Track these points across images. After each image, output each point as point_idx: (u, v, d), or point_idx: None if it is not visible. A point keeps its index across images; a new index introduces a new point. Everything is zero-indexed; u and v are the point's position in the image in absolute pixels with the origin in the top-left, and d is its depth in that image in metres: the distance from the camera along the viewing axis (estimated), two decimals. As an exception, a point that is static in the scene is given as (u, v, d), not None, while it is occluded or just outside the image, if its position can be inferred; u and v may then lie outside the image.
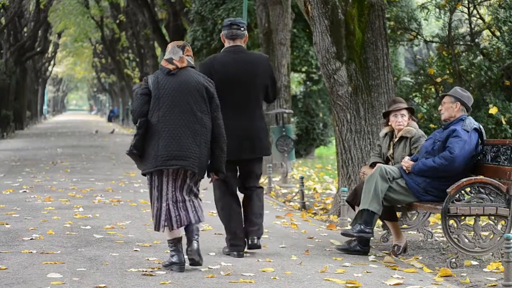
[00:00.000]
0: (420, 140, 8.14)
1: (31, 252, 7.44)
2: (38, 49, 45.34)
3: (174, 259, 6.72)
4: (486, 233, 7.33)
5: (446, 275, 6.89)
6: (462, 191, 7.30)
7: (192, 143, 6.70)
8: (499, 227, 7.31)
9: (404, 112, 8.29)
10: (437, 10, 12.12)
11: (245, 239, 7.59)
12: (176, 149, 6.64)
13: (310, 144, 23.48)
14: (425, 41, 12.95)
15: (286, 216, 10.50)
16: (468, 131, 7.58)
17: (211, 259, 7.28)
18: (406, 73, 14.05)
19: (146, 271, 6.65)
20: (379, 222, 8.70)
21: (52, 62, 64.09)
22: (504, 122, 11.23)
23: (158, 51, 37.34)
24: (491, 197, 7.27)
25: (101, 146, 28.06)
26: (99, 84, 78.15)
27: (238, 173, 7.75)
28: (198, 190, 6.94)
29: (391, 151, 8.34)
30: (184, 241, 6.83)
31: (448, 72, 12.12)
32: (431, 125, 11.64)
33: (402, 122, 8.26)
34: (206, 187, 11.44)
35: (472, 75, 11.75)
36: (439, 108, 7.93)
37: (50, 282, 6.20)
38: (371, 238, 7.82)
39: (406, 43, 13.26)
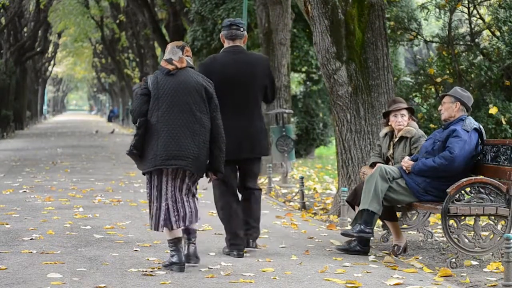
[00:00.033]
0: (420, 140, 8.14)
1: (31, 252, 7.44)
2: (38, 49, 45.34)
3: (174, 259, 6.72)
4: (486, 233, 7.33)
5: (446, 275, 6.89)
6: (462, 191, 7.30)
7: (191, 143, 6.71)
8: (499, 227, 7.31)
9: (404, 112, 8.29)
10: (437, 10, 12.12)
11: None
12: (175, 149, 6.66)
13: (310, 144, 23.48)
14: (425, 41, 12.96)
15: (286, 216, 10.49)
16: (468, 131, 7.58)
17: (211, 259, 7.28)
18: (406, 73, 14.05)
19: (146, 271, 6.65)
20: (379, 222, 8.70)
21: (52, 62, 64.10)
22: (504, 122, 11.23)
23: (158, 51, 37.34)
24: (491, 197, 7.27)
25: (101, 146, 28.06)
26: (99, 84, 78.16)
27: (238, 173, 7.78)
28: (196, 190, 6.95)
29: (391, 151, 8.34)
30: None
31: (448, 72, 12.12)
32: (431, 125, 11.64)
33: (402, 122, 8.26)
34: (206, 187, 11.45)
35: (472, 75, 11.75)
36: (439, 108, 7.93)
37: (50, 282, 6.20)
38: (371, 238, 7.82)
39: (406, 43, 13.26)
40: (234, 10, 20.02)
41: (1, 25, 35.15)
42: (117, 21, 41.42)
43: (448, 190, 7.25)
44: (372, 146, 9.86)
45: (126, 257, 7.31)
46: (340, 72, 9.98)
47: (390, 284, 6.41)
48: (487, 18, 12.40)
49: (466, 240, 7.26)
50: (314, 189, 14.23)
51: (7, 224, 9.18)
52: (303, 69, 22.92)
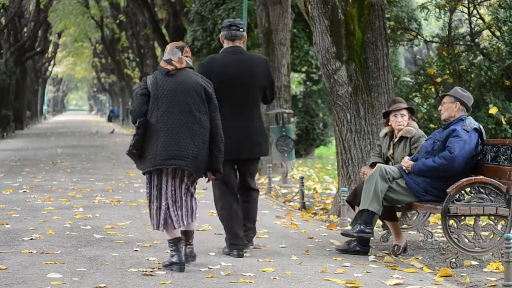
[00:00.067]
0: (420, 140, 8.14)
1: (31, 252, 7.44)
2: (38, 49, 45.35)
3: (174, 259, 6.73)
4: (486, 233, 7.33)
5: (446, 275, 6.89)
6: (462, 191, 7.30)
7: (191, 143, 6.73)
8: (499, 227, 7.31)
9: (404, 112, 8.29)
10: (437, 10, 12.12)
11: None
12: (175, 149, 6.67)
13: (310, 144, 23.48)
14: (425, 41, 12.95)
15: (286, 216, 10.49)
16: (468, 131, 7.58)
17: (211, 259, 7.29)
18: (406, 73, 14.05)
19: (146, 271, 6.65)
20: (379, 222, 8.70)
21: (52, 62, 64.10)
22: (504, 122, 11.22)
23: (158, 51, 37.36)
24: (491, 197, 7.27)
25: (101, 146, 28.06)
26: (99, 84, 78.16)
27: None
28: (195, 190, 6.97)
29: (391, 151, 8.33)
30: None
31: (448, 72, 12.12)
32: (431, 125, 11.64)
33: (402, 122, 8.26)
34: (206, 187, 11.45)
35: (472, 75, 11.75)
36: (439, 108, 7.93)
37: (50, 282, 6.20)
38: (371, 238, 7.82)
39: (406, 43, 13.26)
40: (234, 10, 20.02)
41: (1, 25, 35.16)
42: (117, 21, 41.43)
43: (448, 190, 7.25)
44: (372, 146, 9.86)
45: (126, 257, 7.31)
46: (340, 72, 9.98)
47: (390, 284, 6.41)
48: (487, 18, 12.40)
49: (466, 240, 7.26)
50: (314, 189, 14.23)
51: (7, 224, 9.18)
52: (303, 69, 22.92)
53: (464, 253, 7.25)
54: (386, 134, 8.43)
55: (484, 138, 7.73)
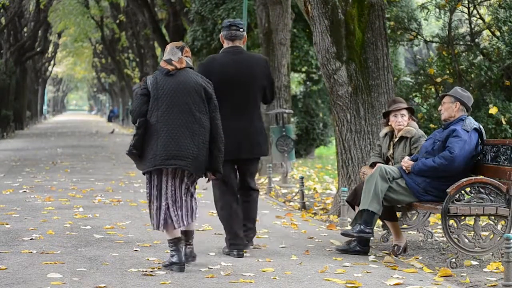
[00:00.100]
0: (420, 140, 8.14)
1: (31, 252, 7.44)
2: (38, 49, 45.34)
3: (174, 259, 6.73)
4: (486, 233, 7.33)
5: (446, 275, 6.89)
6: (462, 191, 7.30)
7: (191, 143, 6.73)
8: (499, 227, 7.31)
9: (404, 112, 8.29)
10: (437, 10, 12.12)
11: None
12: (175, 149, 6.68)
13: (310, 144, 23.48)
14: (425, 41, 12.95)
15: (286, 216, 10.49)
16: (468, 131, 7.58)
17: (211, 259, 7.29)
18: (406, 73, 14.05)
19: (146, 271, 6.66)
20: (379, 222, 8.70)
21: (52, 62, 64.10)
22: (504, 122, 11.22)
23: (158, 51, 37.35)
24: (491, 197, 7.27)
25: (101, 146, 28.07)
26: (99, 84, 78.17)
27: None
28: (195, 190, 6.97)
29: (391, 151, 8.33)
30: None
31: (448, 72, 12.12)
32: (431, 125, 11.64)
33: (402, 122, 8.26)
34: (206, 187, 11.45)
35: (472, 75, 11.75)
36: (439, 108, 7.93)
37: (50, 282, 6.20)
38: (371, 238, 7.82)
39: (406, 43, 13.26)
40: (234, 10, 20.02)
41: (1, 25, 35.16)
42: (117, 21, 41.43)
43: (448, 190, 7.25)
44: (372, 146, 9.86)
45: (126, 257, 7.31)
46: (340, 72, 9.98)
47: (390, 284, 6.41)
48: (487, 18, 12.40)
49: (466, 240, 7.26)
50: (314, 189, 14.23)
51: (7, 224, 9.18)
52: (303, 69, 22.92)
53: (464, 253, 7.25)
54: (386, 134, 8.43)
55: (484, 138, 7.73)
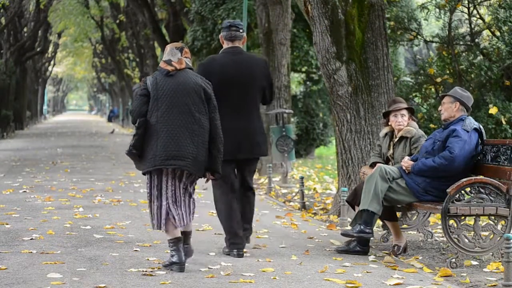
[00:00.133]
0: (420, 140, 8.14)
1: (31, 252, 7.45)
2: (38, 49, 45.35)
3: (174, 259, 6.74)
4: (486, 233, 7.33)
5: (446, 275, 6.89)
6: (462, 191, 7.30)
7: (190, 144, 6.75)
8: (499, 227, 7.31)
9: (404, 112, 8.29)
10: (437, 10, 12.12)
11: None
12: (175, 149, 6.69)
13: (310, 144, 23.49)
14: (425, 41, 12.96)
15: (286, 216, 10.49)
16: (468, 131, 7.58)
17: (211, 259, 7.29)
18: (406, 73, 14.05)
19: (146, 271, 6.66)
20: (379, 222, 8.70)
21: (52, 62, 64.11)
22: (504, 122, 11.23)
23: (158, 51, 37.35)
24: (491, 197, 7.27)
25: (101, 146, 28.07)
26: (99, 84, 78.17)
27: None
28: (194, 190, 6.98)
29: (391, 151, 8.33)
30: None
31: (448, 72, 12.12)
32: (431, 125, 11.64)
33: (402, 122, 8.26)
34: (206, 187, 11.45)
35: (472, 75, 11.75)
36: (439, 109, 7.94)
37: (50, 282, 6.20)
38: (371, 238, 7.81)
39: (406, 43, 13.26)
40: (234, 10, 20.02)
41: (1, 25, 35.15)
42: (117, 21, 41.43)
43: (448, 190, 7.25)
44: (372, 146, 9.86)
45: (126, 257, 7.31)
46: (340, 72, 9.98)
47: (390, 284, 6.41)
48: (487, 18, 12.40)
49: (466, 240, 7.26)
50: (314, 189, 14.23)
51: (7, 224, 9.18)
52: (303, 69, 22.92)
53: (464, 253, 7.25)
54: (386, 134, 8.43)
55: (484, 138, 7.73)
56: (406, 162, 7.83)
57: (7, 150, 24.82)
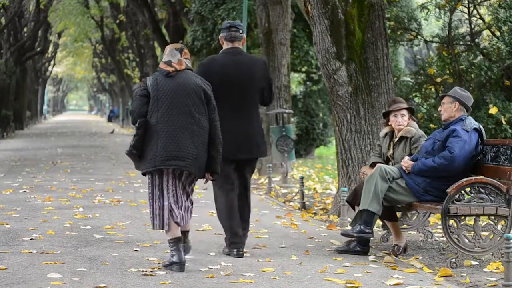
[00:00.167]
0: (420, 140, 8.14)
1: (31, 252, 7.45)
2: (38, 49, 45.34)
3: (175, 259, 6.74)
4: (486, 233, 7.33)
5: (446, 275, 6.89)
6: (462, 191, 7.30)
7: (190, 144, 6.77)
8: (499, 227, 7.31)
9: (404, 112, 8.29)
10: (437, 10, 12.12)
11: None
12: (175, 150, 6.71)
13: (310, 144, 23.48)
14: (425, 41, 12.96)
15: (286, 216, 10.49)
16: (468, 131, 7.58)
17: (211, 259, 7.29)
18: (406, 73, 14.05)
19: (146, 271, 6.66)
20: (379, 222, 8.70)
21: (52, 62, 64.10)
22: (504, 122, 11.23)
23: (158, 51, 37.35)
24: (491, 197, 7.27)
25: (101, 146, 28.07)
26: (99, 84, 78.16)
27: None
28: (192, 191, 7.00)
29: (391, 151, 8.33)
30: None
31: (448, 72, 12.12)
32: (431, 125, 11.64)
33: (402, 122, 8.26)
34: (206, 187, 11.45)
35: (472, 75, 11.76)
36: (439, 109, 7.94)
37: (50, 282, 6.20)
38: (371, 238, 7.81)
39: (406, 43, 13.26)
40: (234, 10, 20.02)
41: (1, 25, 35.15)
42: (117, 21, 41.43)
43: (448, 190, 7.25)
44: (372, 146, 9.86)
45: (126, 257, 7.31)
46: (340, 72, 9.98)
47: (390, 284, 6.41)
48: (487, 18, 12.40)
49: (466, 240, 7.26)
50: (314, 189, 14.23)
51: (7, 224, 9.18)
52: (303, 69, 22.92)
53: (464, 253, 7.25)
54: (386, 134, 8.43)
55: (484, 138, 7.73)
56: (406, 162, 7.83)
57: (7, 150, 24.82)
